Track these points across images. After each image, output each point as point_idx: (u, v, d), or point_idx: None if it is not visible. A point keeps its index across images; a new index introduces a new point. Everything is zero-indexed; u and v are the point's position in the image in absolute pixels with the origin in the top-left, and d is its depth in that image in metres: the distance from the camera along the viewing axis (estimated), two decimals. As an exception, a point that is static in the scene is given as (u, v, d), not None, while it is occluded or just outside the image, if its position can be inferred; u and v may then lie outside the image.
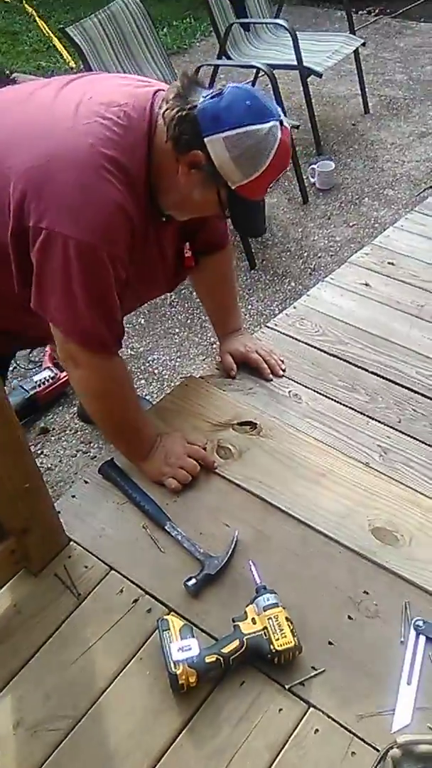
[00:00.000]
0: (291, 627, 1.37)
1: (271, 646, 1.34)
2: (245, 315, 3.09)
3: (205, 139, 1.40)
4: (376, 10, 5.92)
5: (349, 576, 1.53)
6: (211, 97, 1.42)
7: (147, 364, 3.02)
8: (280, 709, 1.32)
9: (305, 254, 3.47)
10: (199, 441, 1.77)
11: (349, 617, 1.45)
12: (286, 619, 1.38)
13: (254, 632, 1.37)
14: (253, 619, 1.39)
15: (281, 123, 1.43)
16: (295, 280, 3.33)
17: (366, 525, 1.62)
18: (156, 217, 1.59)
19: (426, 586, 1.50)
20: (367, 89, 4.61)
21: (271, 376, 2.01)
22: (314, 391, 1.98)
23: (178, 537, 1.59)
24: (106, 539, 1.63)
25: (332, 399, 1.96)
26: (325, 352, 2.11)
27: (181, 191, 1.50)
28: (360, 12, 5.81)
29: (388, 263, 2.50)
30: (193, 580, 1.50)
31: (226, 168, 1.43)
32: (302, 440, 1.82)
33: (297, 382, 2.01)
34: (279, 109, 1.46)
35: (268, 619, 1.37)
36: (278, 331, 2.20)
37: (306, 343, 2.15)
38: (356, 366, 2.07)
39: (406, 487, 1.72)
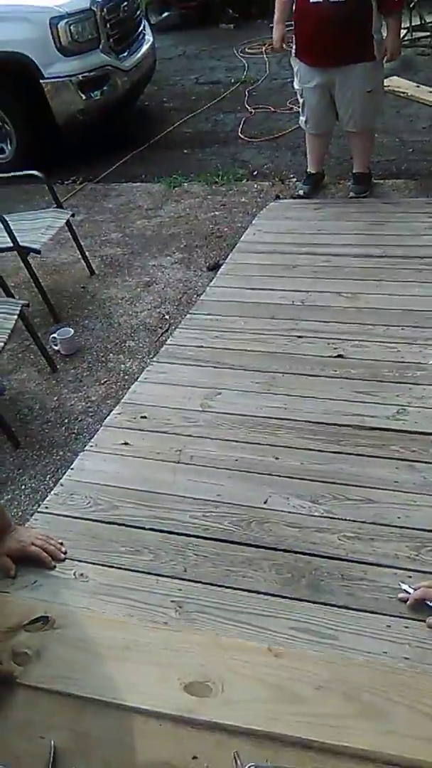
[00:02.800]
0: None
1: None
2: (20, 497, 3.05)
3: None
4: (80, 179, 6.36)
5: (176, 746, 1.52)
6: None
7: None
8: None
9: (66, 420, 3.53)
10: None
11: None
12: None
13: None
14: None
15: None
16: (62, 448, 3.35)
17: (178, 684, 1.63)
18: None
19: (248, 726, 1.52)
20: (88, 252, 4.87)
21: (53, 563, 1.99)
22: (99, 564, 1.99)
23: (-9, 768, 1.51)
24: None
25: (118, 567, 1.98)
26: (101, 521, 2.15)
27: None
28: (66, 182, 6.22)
29: (141, 417, 2.62)
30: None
31: None
32: (97, 620, 1.82)
33: (80, 561, 2.01)
34: None
35: None
36: (51, 513, 2.21)
37: (81, 518, 2.17)
38: (134, 527, 2.12)
39: (206, 633, 1.76)
